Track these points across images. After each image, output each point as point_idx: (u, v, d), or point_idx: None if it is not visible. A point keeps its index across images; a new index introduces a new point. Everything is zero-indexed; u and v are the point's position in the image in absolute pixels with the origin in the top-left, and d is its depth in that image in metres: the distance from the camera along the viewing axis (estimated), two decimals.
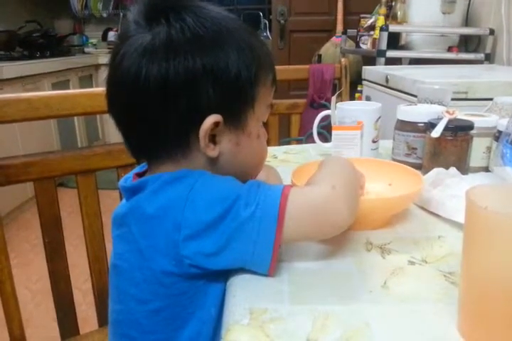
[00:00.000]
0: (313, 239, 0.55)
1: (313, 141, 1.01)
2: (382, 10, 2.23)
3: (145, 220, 0.50)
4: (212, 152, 0.53)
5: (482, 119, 0.82)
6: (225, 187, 0.50)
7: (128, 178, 0.58)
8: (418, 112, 0.87)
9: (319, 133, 1.00)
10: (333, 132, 0.90)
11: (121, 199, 0.58)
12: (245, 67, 0.52)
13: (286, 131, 1.50)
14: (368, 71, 1.91)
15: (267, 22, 4.00)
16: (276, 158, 0.98)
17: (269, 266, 0.49)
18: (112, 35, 4.09)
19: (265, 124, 0.60)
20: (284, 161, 0.95)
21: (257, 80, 0.53)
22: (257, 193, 0.48)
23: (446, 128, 0.78)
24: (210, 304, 0.53)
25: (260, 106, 0.55)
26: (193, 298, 0.52)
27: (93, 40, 4.15)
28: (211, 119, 0.51)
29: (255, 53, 0.54)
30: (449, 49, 2.12)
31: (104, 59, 3.75)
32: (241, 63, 0.51)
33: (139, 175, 0.58)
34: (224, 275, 0.52)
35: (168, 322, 0.53)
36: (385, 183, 0.71)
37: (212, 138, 0.53)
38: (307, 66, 1.56)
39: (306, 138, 1.44)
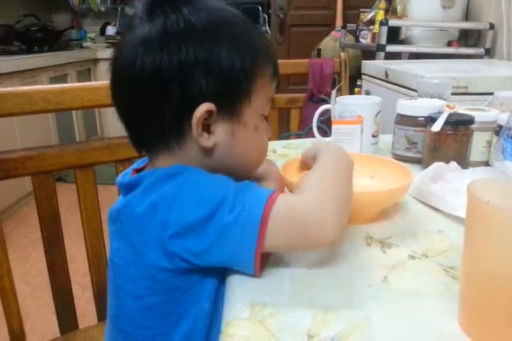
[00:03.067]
0: (296, 250, 0.52)
1: (313, 136, 1.01)
2: (382, 4, 2.22)
3: (136, 217, 0.50)
4: (207, 142, 0.52)
5: (482, 114, 0.82)
6: (214, 187, 0.49)
7: (126, 174, 0.58)
8: (418, 106, 0.87)
9: (319, 128, 1.00)
10: (333, 126, 0.90)
11: (119, 194, 0.58)
12: (240, 59, 0.51)
13: (286, 125, 1.50)
14: (367, 65, 1.90)
15: (266, 16, 3.98)
16: (275, 152, 0.97)
17: (252, 269, 0.48)
18: (110, 30, 4.07)
19: (265, 119, 0.59)
20: (284, 156, 0.94)
21: (254, 72, 0.53)
22: (244, 197, 0.48)
23: (446, 123, 0.77)
24: (204, 300, 0.52)
25: (258, 99, 0.54)
26: (187, 293, 0.52)
27: (91, 35, 4.13)
28: (203, 107, 0.50)
29: (252, 45, 0.53)
30: (449, 43, 2.11)
31: (102, 53, 3.73)
32: (235, 55, 0.51)
33: (138, 170, 0.58)
34: (218, 271, 0.51)
35: (162, 317, 0.53)
36: (368, 176, 0.71)
37: (207, 129, 0.53)
38: (307, 60, 1.55)
39: (305, 132, 1.43)
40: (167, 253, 0.49)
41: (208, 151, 0.54)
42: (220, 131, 0.53)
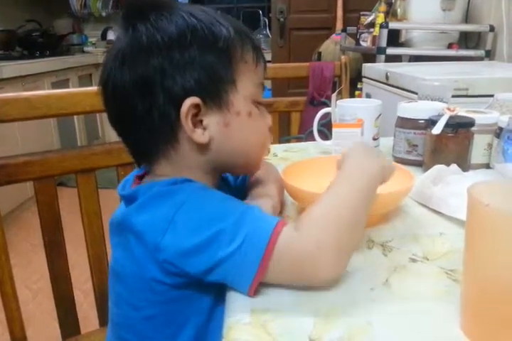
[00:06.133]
0: (293, 284, 0.50)
1: (314, 139, 1.01)
2: (382, 7, 2.22)
3: (134, 231, 0.50)
4: (202, 137, 0.52)
5: (483, 116, 0.82)
6: (212, 213, 0.48)
7: (127, 181, 0.58)
8: (419, 109, 0.87)
9: (319, 131, 1.00)
10: (334, 130, 0.90)
11: (121, 200, 0.58)
12: (211, 50, 0.51)
13: (286, 129, 1.50)
14: (367, 68, 1.90)
15: (266, 20, 4.00)
16: (276, 156, 0.97)
17: (247, 292, 0.47)
18: (111, 35, 4.08)
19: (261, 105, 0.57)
20: (285, 159, 0.94)
21: (231, 59, 0.52)
22: (247, 228, 0.46)
23: (447, 125, 0.77)
24: (203, 310, 0.52)
25: (245, 84, 0.54)
26: (186, 305, 0.52)
27: (92, 40, 4.15)
28: (188, 102, 0.50)
29: (221, 35, 0.52)
30: (449, 46, 2.11)
31: (103, 58, 3.74)
32: (206, 47, 0.51)
33: (140, 177, 0.58)
34: (217, 284, 0.50)
35: (162, 328, 0.53)
36: None
37: (201, 124, 0.52)
38: (307, 64, 1.55)
39: (306, 136, 1.43)
40: (164, 270, 0.49)
41: (204, 148, 0.53)
42: (214, 124, 0.53)
